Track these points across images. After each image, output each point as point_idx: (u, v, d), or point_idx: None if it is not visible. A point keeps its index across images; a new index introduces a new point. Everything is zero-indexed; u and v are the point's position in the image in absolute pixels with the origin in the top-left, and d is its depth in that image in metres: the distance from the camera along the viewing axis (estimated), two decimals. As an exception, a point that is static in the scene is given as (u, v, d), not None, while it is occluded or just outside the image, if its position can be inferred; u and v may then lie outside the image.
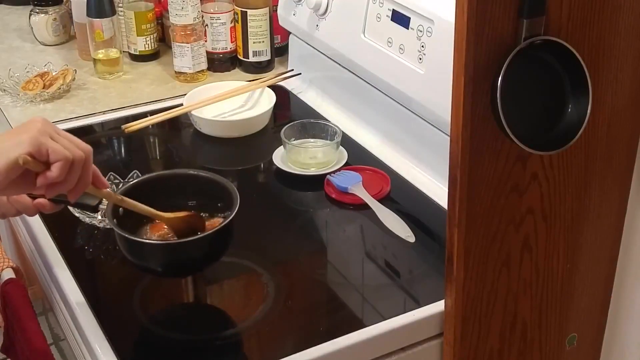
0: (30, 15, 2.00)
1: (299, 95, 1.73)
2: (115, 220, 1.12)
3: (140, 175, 1.40)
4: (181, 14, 1.74)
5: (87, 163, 0.98)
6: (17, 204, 1.09)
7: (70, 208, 1.28)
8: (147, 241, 1.14)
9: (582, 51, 1.01)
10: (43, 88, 1.72)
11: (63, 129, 1.65)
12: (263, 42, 1.80)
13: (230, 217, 1.12)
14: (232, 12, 1.81)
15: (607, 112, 1.09)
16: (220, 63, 1.85)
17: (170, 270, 1.16)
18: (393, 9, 1.40)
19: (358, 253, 1.30)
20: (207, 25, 1.81)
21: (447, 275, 1.09)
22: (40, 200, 1.10)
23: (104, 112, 1.70)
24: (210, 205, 1.19)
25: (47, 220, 1.31)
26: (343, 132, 1.49)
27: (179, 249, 1.12)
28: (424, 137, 1.41)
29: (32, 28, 2.01)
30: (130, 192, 1.15)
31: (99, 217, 1.33)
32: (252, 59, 1.82)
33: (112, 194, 1.10)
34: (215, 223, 1.17)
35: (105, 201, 1.13)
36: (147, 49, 1.90)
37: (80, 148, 0.97)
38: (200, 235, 1.13)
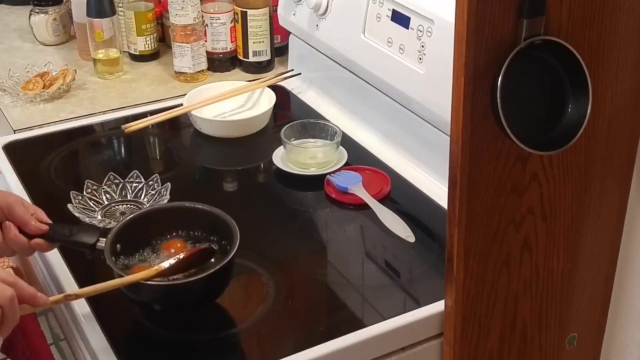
0: (30, 15, 2.00)
1: (299, 95, 1.73)
2: (113, 257, 1.11)
3: (140, 175, 1.40)
4: (181, 14, 1.74)
5: (7, 307, 0.93)
6: (13, 244, 1.09)
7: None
8: (146, 282, 1.09)
9: (582, 51, 1.01)
10: (43, 88, 1.72)
11: (63, 129, 1.67)
12: (263, 42, 1.80)
13: (232, 254, 1.10)
14: (232, 12, 1.81)
15: (607, 112, 1.09)
16: (220, 63, 1.85)
17: (169, 309, 1.14)
18: (393, 9, 1.40)
19: (358, 253, 1.30)
20: (207, 25, 1.81)
21: (447, 275, 1.09)
22: (37, 240, 1.10)
23: (104, 112, 1.70)
24: (209, 239, 1.18)
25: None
26: (343, 132, 1.49)
27: (176, 289, 1.09)
28: (424, 137, 1.41)
29: (32, 28, 2.01)
30: (126, 228, 1.14)
31: (99, 217, 1.33)
32: (252, 59, 1.82)
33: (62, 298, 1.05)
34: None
35: (102, 239, 1.12)
36: (147, 49, 1.90)
37: (0, 296, 0.93)
38: (200, 275, 1.09)
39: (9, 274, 0.97)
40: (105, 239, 1.12)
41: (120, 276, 1.08)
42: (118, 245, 1.13)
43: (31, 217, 1.10)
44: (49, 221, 1.12)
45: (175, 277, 1.10)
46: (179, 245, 1.17)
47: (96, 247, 1.11)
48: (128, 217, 1.19)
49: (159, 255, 1.16)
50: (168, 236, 1.18)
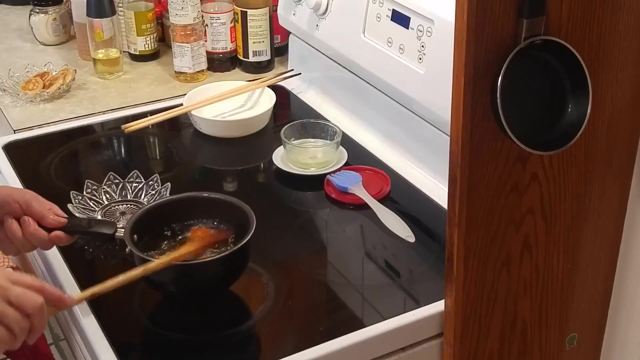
0: (30, 15, 2.00)
1: (299, 95, 1.73)
2: (133, 243, 1.12)
3: (140, 175, 1.40)
4: (181, 14, 1.74)
5: (37, 316, 0.95)
6: (33, 239, 1.10)
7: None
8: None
9: (582, 51, 1.01)
10: (43, 88, 1.72)
11: (63, 129, 1.67)
12: (263, 42, 1.80)
13: (248, 237, 1.11)
14: (232, 12, 1.81)
15: (607, 112, 1.09)
16: (220, 63, 1.85)
17: (186, 292, 1.15)
18: (393, 9, 1.40)
19: (358, 253, 1.30)
20: (207, 25, 1.81)
21: (447, 275, 1.09)
22: (57, 233, 1.11)
23: (104, 112, 1.70)
24: (226, 226, 1.19)
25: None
26: (343, 132, 1.49)
27: (193, 270, 1.11)
28: (424, 137, 1.41)
29: (32, 28, 2.01)
30: (143, 218, 1.15)
31: (99, 217, 1.33)
32: (252, 59, 1.82)
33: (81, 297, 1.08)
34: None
35: (120, 229, 1.13)
36: (147, 49, 1.90)
37: (30, 304, 0.94)
38: (218, 255, 1.12)
39: (34, 279, 0.98)
40: (123, 229, 1.13)
41: (144, 260, 1.08)
42: (135, 236, 1.14)
43: (48, 211, 1.11)
44: (65, 215, 1.14)
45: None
46: (202, 233, 1.18)
47: (115, 237, 1.12)
48: (144, 208, 1.20)
49: (179, 244, 1.17)
50: (187, 225, 1.19)
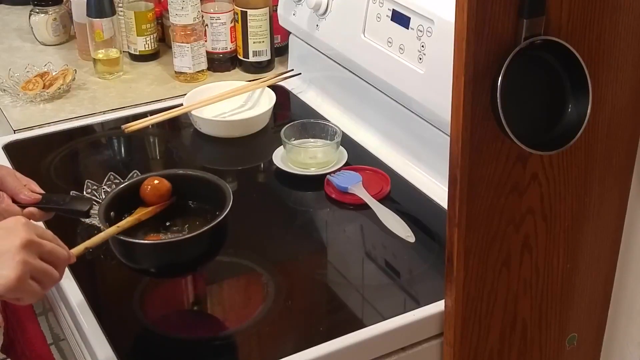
0: (30, 15, 2.00)
1: (299, 95, 1.73)
2: (108, 224, 1.11)
3: (140, 175, 1.40)
4: (181, 14, 1.74)
5: (62, 268, 0.98)
6: (6, 214, 1.09)
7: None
8: (139, 241, 1.12)
9: (582, 51, 1.01)
10: (43, 88, 1.72)
11: (63, 129, 1.67)
12: (263, 42, 1.81)
13: (225, 213, 1.11)
14: (232, 12, 1.81)
15: (607, 112, 1.09)
16: (220, 63, 1.85)
17: (164, 270, 1.15)
18: (393, 9, 1.40)
19: (358, 253, 1.30)
20: (207, 25, 1.81)
21: (447, 275, 1.09)
22: (30, 209, 1.10)
23: (104, 112, 1.70)
24: (204, 204, 1.18)
25: (47, 219, 1.30)
26: (343, 132, 1.49)
27: (171, 247, 1.11)
28: (424, 137, 1.41)
29: (32, 28, 2.01)
30: (119, 196, 1.15)
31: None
32: (252, 59, 1.82)
33: (109, 230, 1.09)
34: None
35: (96, 206, 1.12)
36: (147, 49, 1.90)
37: (61, 258, 0.97)
38: (193, 233, 1.11)
39: (52, 234, 0.99)
40: (98, 206, 1.13)
41: (119, 238, 1.09)
42: (112, 213, 1.14)
43: (23, 187, 1.11)
44: (42, 191, 1.13)
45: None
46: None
47: (89, 215, 1.12)
48: (121, 185, 1.19)
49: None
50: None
